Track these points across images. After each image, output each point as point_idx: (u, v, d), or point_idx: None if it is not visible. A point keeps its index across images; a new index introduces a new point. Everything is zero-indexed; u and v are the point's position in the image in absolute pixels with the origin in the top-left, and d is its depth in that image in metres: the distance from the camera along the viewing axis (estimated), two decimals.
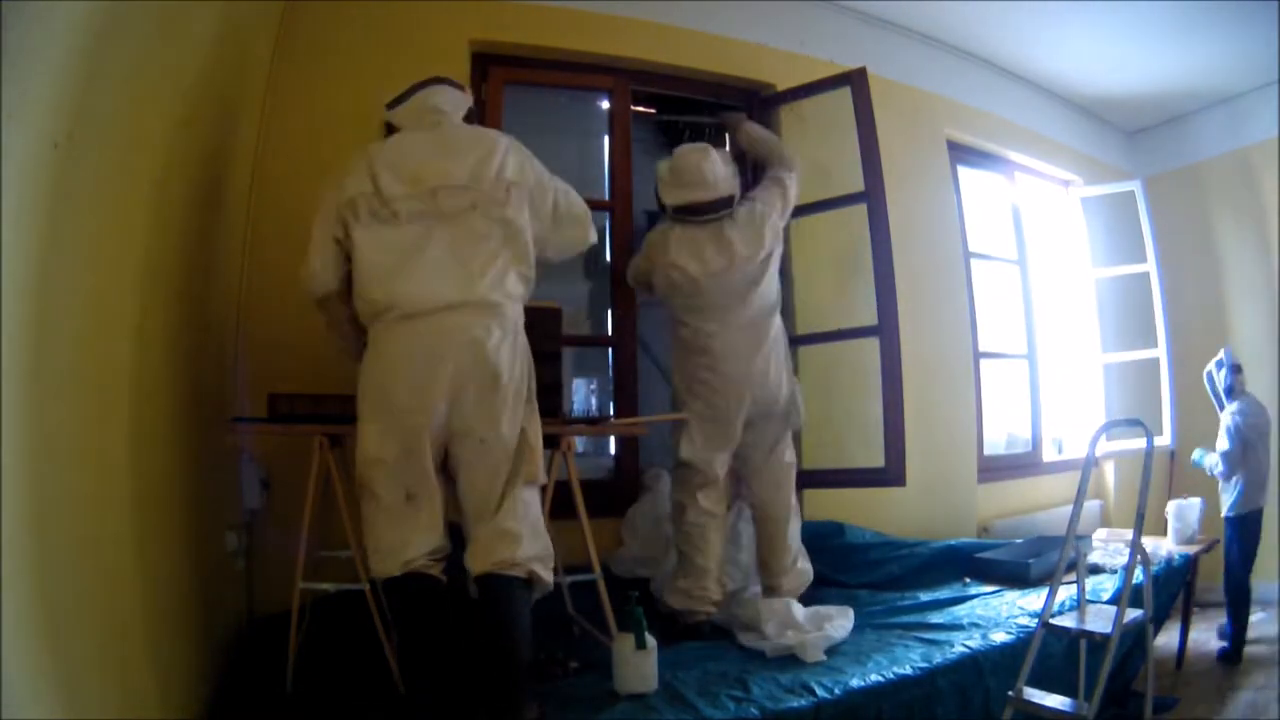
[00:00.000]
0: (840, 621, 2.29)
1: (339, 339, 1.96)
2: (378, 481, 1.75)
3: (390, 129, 1.94)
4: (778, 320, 2.55)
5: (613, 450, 3.18)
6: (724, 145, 3.33)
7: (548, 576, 1.80)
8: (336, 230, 1.81)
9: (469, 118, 1.98)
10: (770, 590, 2.50)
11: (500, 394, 1.75)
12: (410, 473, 1.75)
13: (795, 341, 3.19)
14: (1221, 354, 3.79)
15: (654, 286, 2.55)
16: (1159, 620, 2.77)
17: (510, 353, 1.78)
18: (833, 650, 2.18)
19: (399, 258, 1.76)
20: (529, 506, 1.81)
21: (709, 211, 2.43)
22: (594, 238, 2.08)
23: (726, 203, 2.44)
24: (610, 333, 3.10)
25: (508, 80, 2.87)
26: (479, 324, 1.74)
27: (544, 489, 1.92)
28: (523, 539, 1.75)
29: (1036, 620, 2.13)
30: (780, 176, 2.58)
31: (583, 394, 4.35)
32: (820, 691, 1.89)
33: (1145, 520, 2.07)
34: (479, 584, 1.75)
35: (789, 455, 2.58)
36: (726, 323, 2.44)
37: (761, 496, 2.57)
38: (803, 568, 2.57)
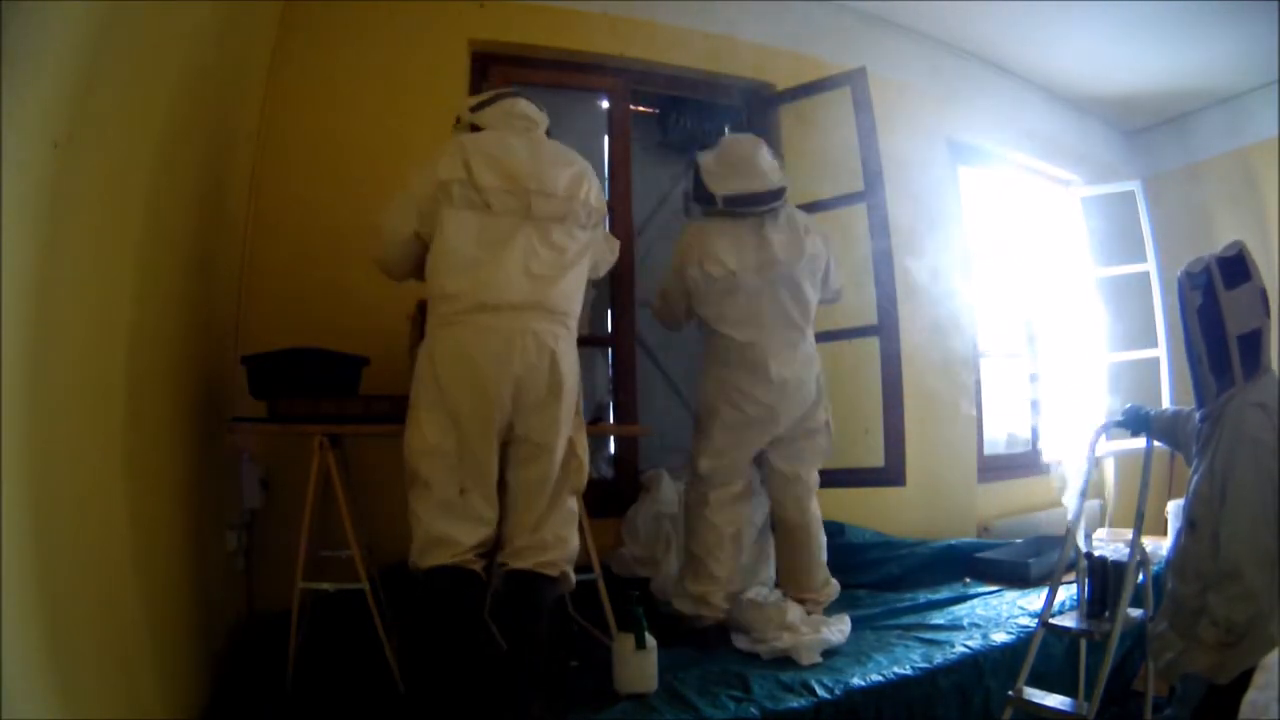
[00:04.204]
0: (838, 627, 2.28)
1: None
2: (433, 472, 1.74)
3: (474, 129, 1.93)
4: (813, 339, 2.43)
5: (612, 450, 3.18)
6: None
7: (573, 577, 1.88)
8: (415, 222, 1.82)
9: (548, 134, 2.02)
10: (803, 602, 2.39)
11: (563, 403, 1.79)
12: (467, 466, 1.75)
13: None
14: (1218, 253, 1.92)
15: (688, 289, 2.38)
16: None
17: (573, 364, 1.84)
18: (831, 652, 2.18)
19: (484, 247, 1.78)
20: (572, 515, 1.87)
21: (762, 203, 2.31)
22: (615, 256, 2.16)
23: (778, 194, 2.33)
24: (610, 333, 3.09)
25: (507, 80, 2.87)
26: (550, 331, 1.78)
27: None
28: (565, 543, 1.82)
29: (1036, 620, 2.13)
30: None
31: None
32: (820, 691, 1.90)
33: (1145, 520, 2.06)
34: (512, 578, 1.77)
35: (814, 477, 2.49)
36: (762, 327, 2.33)
37: (788, 513, 2.47)
38: (834, 582, 2.52)
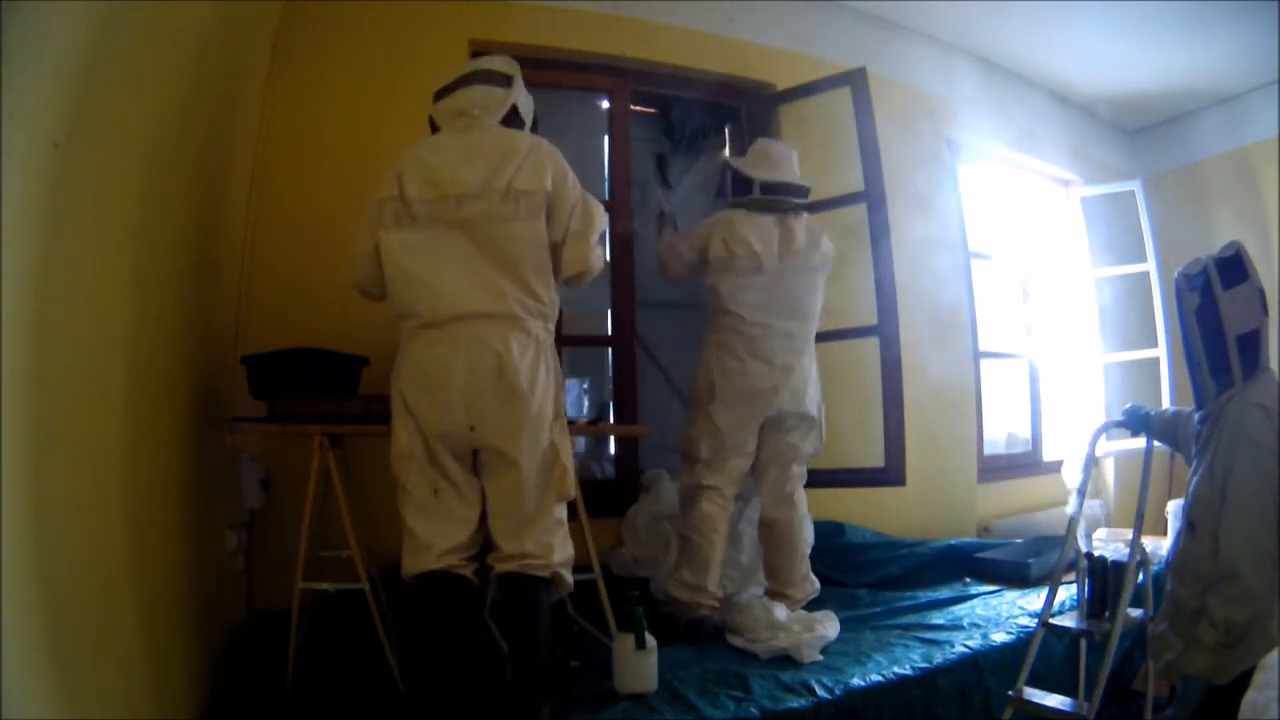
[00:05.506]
0: (829, 624, 2.30)
1: None
2: (408, 475, 1.77)
3: (434, 125, 1.92)
4: (813, 336, 2.54)
5: (612, 451, 3.18)
6: (724, 145, 3.35)
7: (569, 579, 1.83)
8: (375, 237, 1.82)
9: (510, 116, 1.89)
10: (780, 598, 2.45)
11: (521, 408, 1.74)
12: (437, 469, 1.76)
13: None
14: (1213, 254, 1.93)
15: (708, 261, 2.45)
16: None
17: (532, 367, 1.76)
18: (831, 651, 2.18)
19: (417, 263, 1.77)
20: (560, 523, 1.83)
21: (794, 195, 2.51)
22: (596, 263, 1.88)
23: (806, 192, 2.54)
24: (610, 333, 3.09)
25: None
26: (497, 336, 1.74)
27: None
28: (552, 549, 1.78)
29: (1036, 620, 2.13)
30: None
31: (575, 394, 4.32)
32: (820, 691, 1.90)
33: (1145, 520, 2.06)
34: (503, 582, 1.76)
35: (802, 471, 2.56)
36: (772, 311, 2.44)
37: (773, 507, 2.53)
38: (813, 579, 2.56)
